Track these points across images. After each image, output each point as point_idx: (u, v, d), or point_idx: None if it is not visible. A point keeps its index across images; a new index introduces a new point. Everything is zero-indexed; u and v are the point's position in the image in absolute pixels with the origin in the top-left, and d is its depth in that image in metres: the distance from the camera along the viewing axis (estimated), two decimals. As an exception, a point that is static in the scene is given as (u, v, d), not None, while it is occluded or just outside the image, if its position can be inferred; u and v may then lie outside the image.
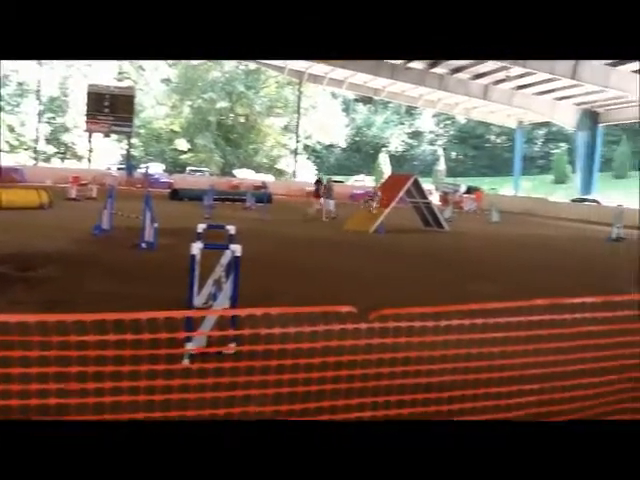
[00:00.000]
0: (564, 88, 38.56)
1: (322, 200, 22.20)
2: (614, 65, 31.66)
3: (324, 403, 2.27)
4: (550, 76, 33.58)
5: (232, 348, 4.47)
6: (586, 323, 3.03)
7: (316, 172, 69.09)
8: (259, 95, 63.69)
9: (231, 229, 6.16)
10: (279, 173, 64.21)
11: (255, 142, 65.86)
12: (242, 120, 65.39)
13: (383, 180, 24.69)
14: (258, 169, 61.43)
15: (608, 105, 41.65)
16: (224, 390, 2.30)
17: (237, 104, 63.68)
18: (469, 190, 44.75)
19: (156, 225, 10.97)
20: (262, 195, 26.02)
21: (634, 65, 31.03)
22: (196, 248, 4.95)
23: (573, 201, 39.22)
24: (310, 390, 2.24)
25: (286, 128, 64.88)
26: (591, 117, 43.22)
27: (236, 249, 5.04)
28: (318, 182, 24.16)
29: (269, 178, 52.02)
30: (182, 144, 62.31)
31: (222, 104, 62.41)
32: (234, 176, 50.65)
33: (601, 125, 44.05)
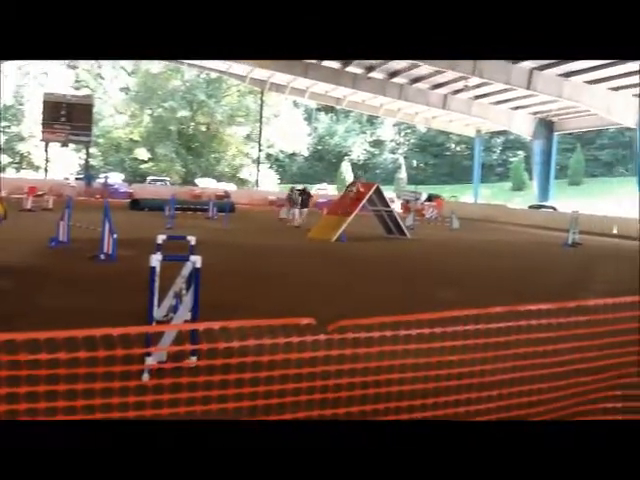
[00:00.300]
0: (520, 98, 39.56)
1: (297, 210, 22.44)
2: (567, 76, 32.65)
3: (286, 416, 2.26)
4: (506, 86, 34.41)
5: (193, 362, 4.42)
6: (543, 329, 3.10)
7: (279, 181, 69.19)
8: (220, 104, 63.33)
9: (192, 240, 6.07)
10: (241, 182, 63.93)
11: (217, 151, 65.44)
12: (203, 129, 64.92)
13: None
14: (220, 178, 61.04)
15: (562, 114, 42.92)
16: (183, 405, 2.26)
17: (198, 113, 63.20)
18: (430, 198, 45.39)
19: (115, 236, 10.77)
20: (224, 204, 25.85)
21: (586, 76, 32.10)
22: (155, 260, 4.87)
23: (531, 207, 40.17)
24: (270, 403, 2.23)
25: (248, 137, 64.71)
26: (546, 126, 44.45)
27: (196, 260, 4.98)
28: (303, 192, 24.07)
29: (231, 187, 51.77)
30: (142, 153, 61.47)
31: (183, 113, 61.85)
32: (196, 185, 50.21)
33: (556, 134, 45.35)
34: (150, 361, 4.31)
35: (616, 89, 33.72)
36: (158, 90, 61.65)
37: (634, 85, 32.79)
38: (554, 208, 38.41)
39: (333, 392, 2.36)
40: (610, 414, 3.42)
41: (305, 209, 22.41)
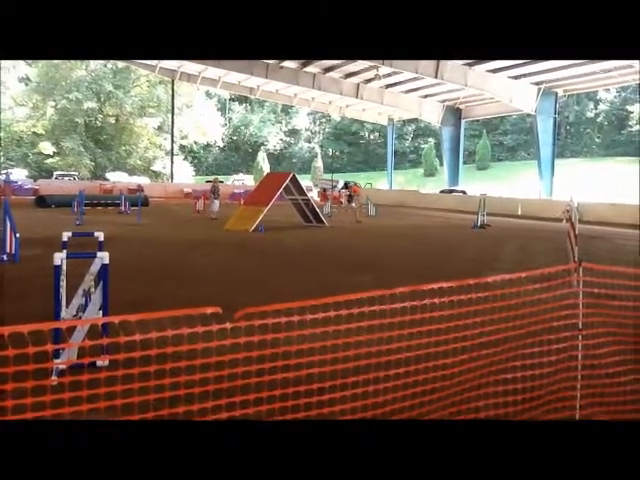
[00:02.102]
0: (428, 86, 40.78)
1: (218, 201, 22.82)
2: (471, 65, 33.96)
3: (194, 406, 2.25)
4: (415, 75, 35.33)
5: (105, 357, 4.28)
6: (447, 307, 3.25)
7: (194, 173, 67.86)
8: (129, 95, 61.08)
9: (100, 236, 5.88)
10: (155, 175, 62.17)
11: (128, 143, 63.12)
12: (112, 121, 62.43)
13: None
14: (132, 171, 59.07)
15: (468, 102, 44.67)
16: (85, 403, 2.21)
17: (106, 104, 60.65)
18: (346, 185, 46.12)
19: (18, 235, 10.22)
20: (137, 198, 25.11)
21: (488, 65, 33.52)
22: (59, 258, 4.68)
23: (442, 192, 41.64)
24: (178, 394, 2.22)
25: (160, 128, 62.87)
26: (454, 113, 46.12)
27: (104, 257, 4.83)
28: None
29: (145, 180, 50.25)
30: (47, 147, 58.32)
31: (89, 104, 59.09)
32: (107, 179, 48.35)
33: (463, 120, 47.13)
34: (59, 361, 4.15)
35: (516, 78, 35.45)
36: (61, 81, 58.55)
37: (532, 73, 34.66)
38: (464, 192, 40.02)
39: (242, 380, 2.38)
40: (510, 383, 3.64)
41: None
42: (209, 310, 2.19)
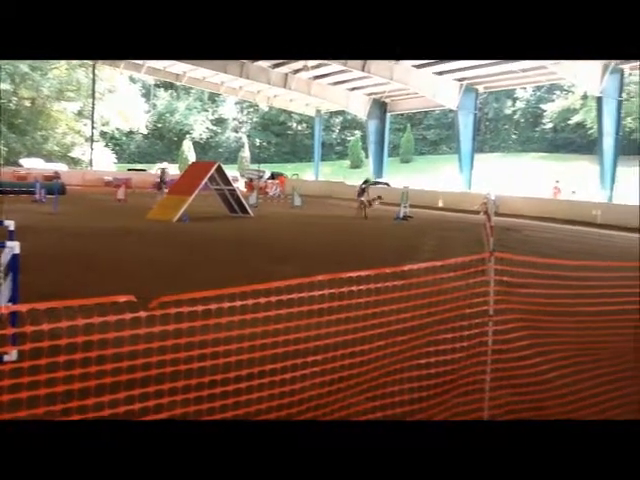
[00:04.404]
0: (356, 79, 41.22)
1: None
2: (397, 60, 34.63)
3: (104, 398, 2.21)
4: (343, 67, 35.63)
5: (12, 348, 4.09)
6: (364, 294, 3.34)
7: (116, 161, 65.60)
8: (47, 77, 58.11)
9: (10, 225, 5.58)
10: (74, 162, 59.61)
11: (44, 128, 60.04)
12: (28, 104, 59.23)
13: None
14: (49, 158, 56.35)
15: (394, 96, 45.54)
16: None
17: (21, 86, 57.43)
18: (273, 176, 46.01)
19: None
20: (54, 186, 23.98)
21: (413, 60, 34.27)
22: (-37, 247, 4.43)
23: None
24: (89, 385, 2.17)
25: (80, 113, 60.24)
26: (380, 107, 46.88)
27: (14, 246, 4.62)
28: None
29: (62, 167, 48.10)
30: (-46, 131, 54.66)
31: (3, 86, 55.70)
32: (20, 166, 45.88)
33: (389, 114, 48.00)
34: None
35: (440, 74, 36.46)
36: (-30, 59, 54.98)
37: (455, 70, 35.76)
38: (388, 184, 40.81)
39: (156, 369, 2.35)
40: (424, 369, 3.78)
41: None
42: (122, 299, 2.15)
